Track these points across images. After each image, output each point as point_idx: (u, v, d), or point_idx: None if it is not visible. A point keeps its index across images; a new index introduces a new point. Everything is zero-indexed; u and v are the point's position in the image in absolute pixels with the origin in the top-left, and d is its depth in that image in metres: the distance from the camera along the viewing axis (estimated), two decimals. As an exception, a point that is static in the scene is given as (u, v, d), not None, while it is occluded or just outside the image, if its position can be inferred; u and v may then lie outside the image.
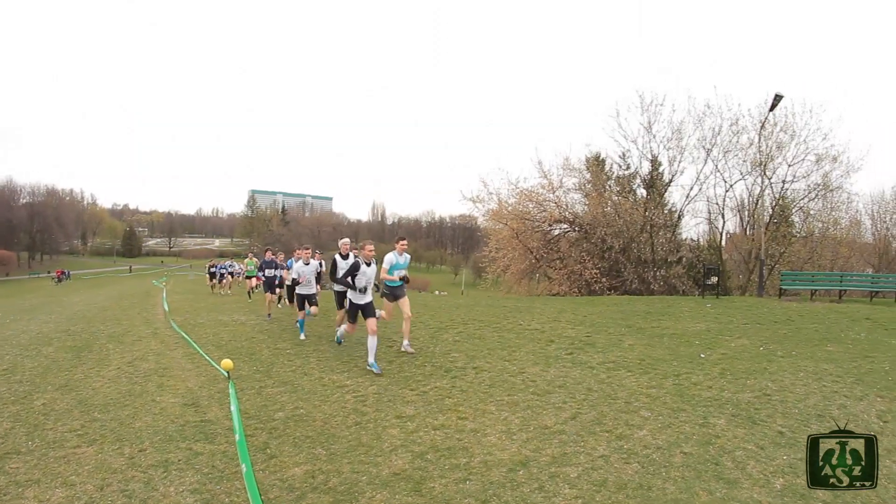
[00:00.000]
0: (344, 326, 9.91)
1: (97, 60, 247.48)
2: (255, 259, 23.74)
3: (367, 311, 9.09)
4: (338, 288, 11.11)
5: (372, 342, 8.75)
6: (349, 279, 9.00)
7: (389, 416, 6.33)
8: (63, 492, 4.54)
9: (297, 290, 12.17)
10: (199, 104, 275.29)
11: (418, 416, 6.32)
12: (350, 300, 9.18)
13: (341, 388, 7.59)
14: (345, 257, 10.79)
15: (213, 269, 31.73)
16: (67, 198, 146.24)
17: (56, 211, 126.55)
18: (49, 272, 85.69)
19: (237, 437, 3.64)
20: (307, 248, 12.85)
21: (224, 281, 29.47)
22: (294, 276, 12.25)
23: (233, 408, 3.83)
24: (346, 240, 11.26)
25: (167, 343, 11.27)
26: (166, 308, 17.40)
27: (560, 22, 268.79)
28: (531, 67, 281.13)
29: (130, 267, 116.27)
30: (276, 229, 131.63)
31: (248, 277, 23.97)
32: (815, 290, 21.84)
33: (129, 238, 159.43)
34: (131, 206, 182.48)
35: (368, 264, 9.13)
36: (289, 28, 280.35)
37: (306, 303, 12.07)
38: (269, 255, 16.38)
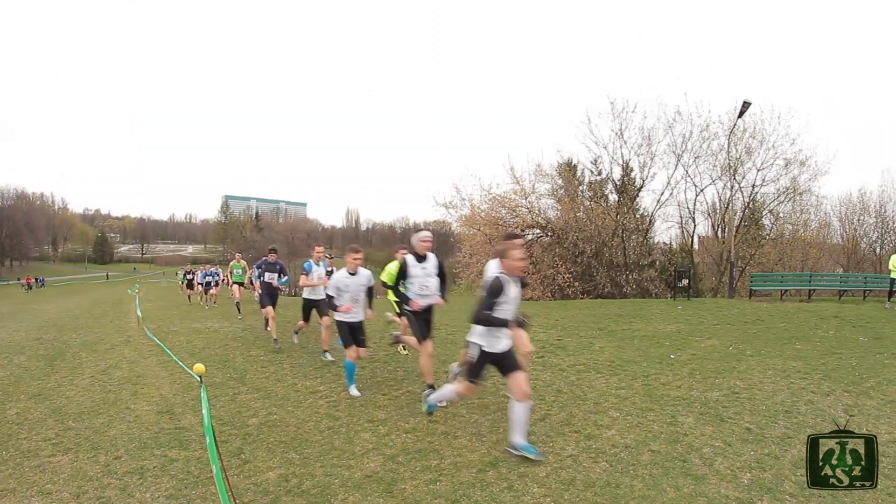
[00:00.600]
0: (452, 388, 5.87)
1: (63, 61, 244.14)
2: (243, 262, 20.05)
3: (510, 361, 5.43)
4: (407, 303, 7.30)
5: (521, 411, 5.25)
6: (488, 312, 5.22)
7: (362, 421, 6.39)
8: (39, 500, 4.54)
9: (341, 316, 7.59)
10: (181, 107, 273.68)
11: (390, 420, 6.38)
12: (481, 348, 5.37)
13: (314, 394, 7.63)
14: (422, 258, 7.28)
15: (189, 276, 27.73)
16: (38, 202, 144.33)
17: (26, 216, 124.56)
18: (19, 279, 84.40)
19: (208, 439, 3.70)
20: (357, 251, 7.80)
21: (212, 291, 24.85)
22: (331, 291, 7.61)
23: (204, 411, 3.87)
24: (426, 233, 7.45)
25: (140, 351, 11.23)
26: (139, 315, 17.26)
27: (544, 27, 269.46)
28: (507, 71, 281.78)
29: (107, 274, 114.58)
30: (249, 235, 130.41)
31: (238, 284, 19.69)
32: (785, 291, 22.20)
33: (101, 244, 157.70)
34: (103, 212, 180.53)
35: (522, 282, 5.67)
36: (279, 31, 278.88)
37: (354, 337, 7.66)
38: (273, 257, 12.29)
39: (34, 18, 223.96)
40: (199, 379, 4.42)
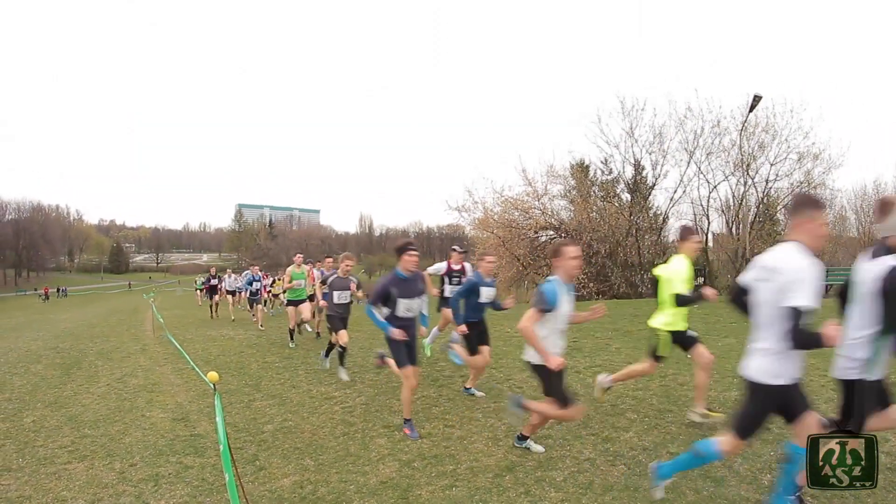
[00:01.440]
0: None
1: (69, 69, 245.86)
2: (303, 267, 13.33)
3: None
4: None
5: None
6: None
7: (377, 426, 6.37)
8: (55, 507, 4.58)
9: None
10: (188, 114, 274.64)
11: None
12: None
13: (329, 400, 7.62)
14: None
15: (214, 282, 21.64)
16: (53, 214, 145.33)
17: (42, 227, 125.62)
18: (36, 289, 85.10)
19: (222, 447, 3.69)
20: None
21: (258, 306, 17.65)
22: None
23: (218, 419, 3.86)
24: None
25: (156, 359, 11.28)
26: (160, 319, 17.22)
27: (553, 23, 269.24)
28: (519, 68, 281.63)
29: (129, 283, 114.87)
30: (263, 243, 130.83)
31: (293, 303, 12.93)
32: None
33: (117, 254, 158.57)
34: (118, 222, 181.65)
35: None
36: (281, 33, 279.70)
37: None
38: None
39: (37, 24, 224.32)
40: (212, 386, 4.42)
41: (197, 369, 8.81)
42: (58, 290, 76.61)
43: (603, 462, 5.13)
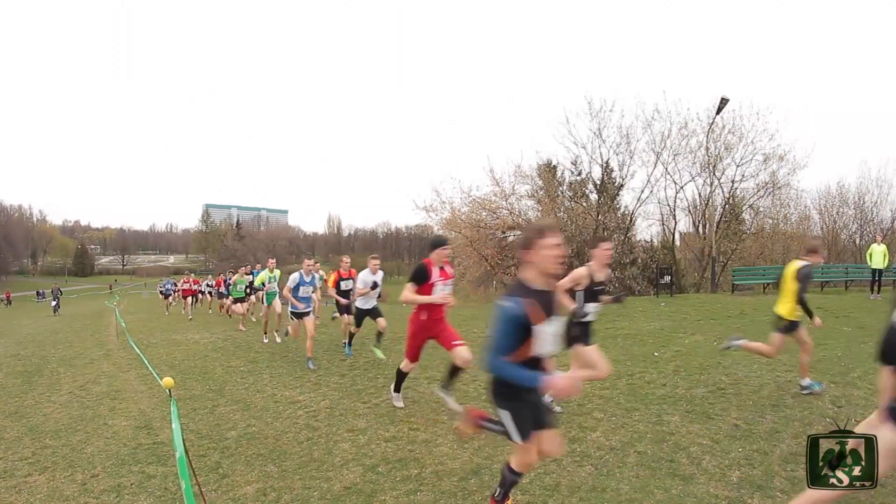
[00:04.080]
0: None
1: (35, 67, 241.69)
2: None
3: None
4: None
5: None
6: None
7: (341, 431, 6.30)
8: (14, 522, 4.47)
9: None
10: (157, 112, 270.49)
11: (370, 429, 6.29)
12: None
13: (294, 404, 7.52)
14: None
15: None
16: (16, 214, 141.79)
17: (4, 229, 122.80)
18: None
19: (177, 454, 3.61)
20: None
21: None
22: None
23: (174, 425, 3.78)
24: None
25: (119, 365, 11.08)
26: (123, 324, 16.95)
27: (519, 26, 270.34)
28: (484, 71, 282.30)
29: (111, 285, 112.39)
30: (230, 244, 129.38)
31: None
32: (768, 284, 22.34)
33: (81, 256, 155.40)
34: (83, 223, 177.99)
35: None
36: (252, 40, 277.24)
37: None
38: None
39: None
40: (168, 392, 4.33)
41: (154, 374, 8.67)
42: (49, 293, 74.56)
43: (570, 463, 5.10)
